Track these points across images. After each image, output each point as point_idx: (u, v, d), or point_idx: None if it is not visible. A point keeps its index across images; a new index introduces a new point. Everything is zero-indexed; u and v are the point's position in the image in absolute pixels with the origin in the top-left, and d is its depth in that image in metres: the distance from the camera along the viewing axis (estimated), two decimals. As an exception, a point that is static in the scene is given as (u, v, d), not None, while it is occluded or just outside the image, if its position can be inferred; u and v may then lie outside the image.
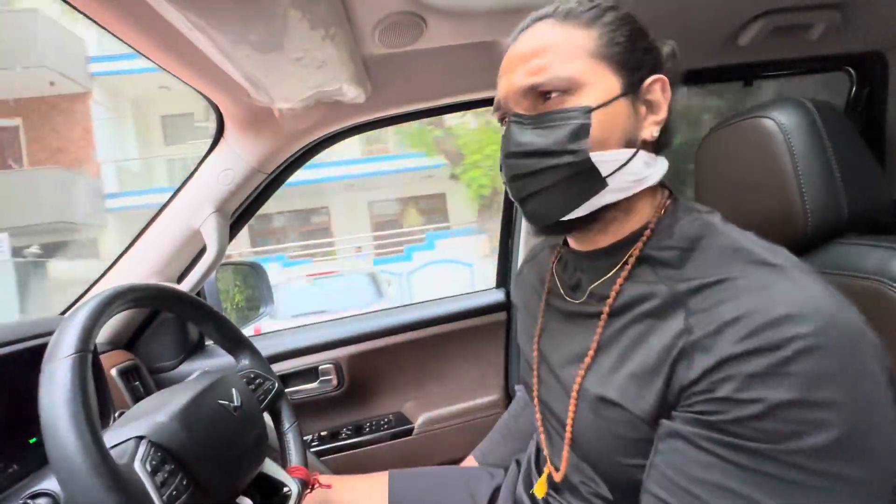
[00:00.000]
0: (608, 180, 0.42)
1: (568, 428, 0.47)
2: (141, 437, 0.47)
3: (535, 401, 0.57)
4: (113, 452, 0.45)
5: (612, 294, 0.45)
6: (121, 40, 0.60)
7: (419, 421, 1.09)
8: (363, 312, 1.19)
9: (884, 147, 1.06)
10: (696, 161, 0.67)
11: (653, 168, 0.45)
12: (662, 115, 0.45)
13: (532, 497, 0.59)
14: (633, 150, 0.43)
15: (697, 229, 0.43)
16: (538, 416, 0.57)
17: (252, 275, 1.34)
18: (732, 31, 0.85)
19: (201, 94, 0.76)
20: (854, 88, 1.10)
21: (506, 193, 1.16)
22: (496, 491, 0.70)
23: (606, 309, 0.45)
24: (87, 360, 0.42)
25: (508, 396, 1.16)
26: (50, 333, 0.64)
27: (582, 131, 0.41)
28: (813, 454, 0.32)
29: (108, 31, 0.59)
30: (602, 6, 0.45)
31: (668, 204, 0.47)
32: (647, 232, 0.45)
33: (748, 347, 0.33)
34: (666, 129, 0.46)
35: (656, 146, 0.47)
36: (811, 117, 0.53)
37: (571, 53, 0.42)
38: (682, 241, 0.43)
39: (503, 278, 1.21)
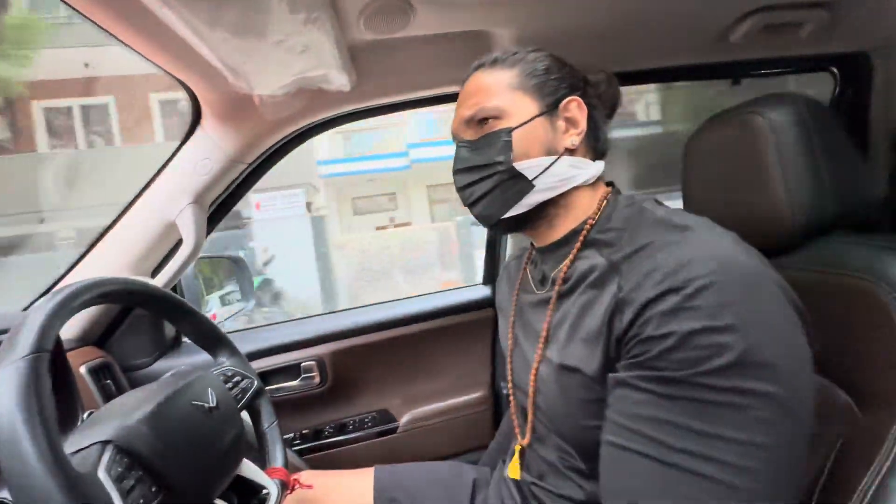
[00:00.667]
0: (535, 182, 0.53)
1: (530, 396, 0.54)
2: (106, 442, 0.44)
3: (510, 386, 0.62)
4: (75, 459, 0.43)
5: (561, 276, 0.53)
6: (89, 20, 0.56)
7: (404, 418, 1.08)
8: (347, 308, 1.17)
9: (867, 148, 1.07)
10: (685, 156, 0.67)
11: (582, 170, 0.54)
12: (581, 127, 0.55)
13: (518, 486, 0.59)
14: (555, 157, 0.53)
15: (632, 212, 0.51)
16: (511, 400, 0.62)
17: (233, 268, 1.31)
18: (724, 27, 0.84)
19: (176, 79, 0.72)
20: (838, 89, 1.11)
21: None
22: (478, 484, 0.70)
23: (556, 289, 0.53)
24: (44, 361, 0.39)
25: (495, 393, 1.15)
26: (4, 331, 0.60)
27: (506, 147, 0.53)
28: (721, 373, 0.37)
29: (75, 9, 0.55)
30: (523, 51, 0.57)
31: (608, 197, 0.55)
32: (591, 221, 0.53)
33: (660, 290, 0.40)
34: (595, 139, 0.57)
35: (593, 152, 0.57)
36: (800, 114, 0.52)
37: (497, 90, 0.55)
38: (619, 222, 0.51)
39: (490, 275, 1.20)
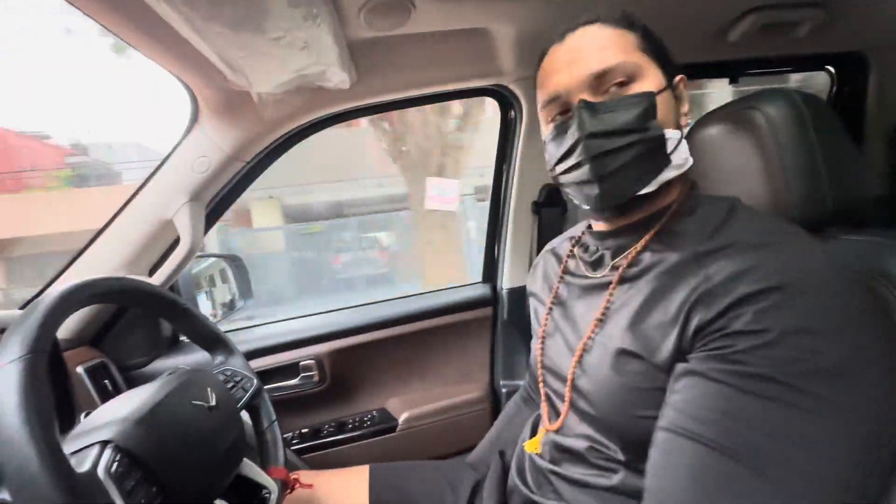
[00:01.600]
0: (671, 157, 0.48)
1: (569, 380, 0.52)
2: (106, 442, 0.44)
3: (540, 371, 0.59)
4: (74, 459, 0.42)
5: (628, 260, 0.50)
6: (86, 14, 0.56)
7: (403, 417, 1.08)
8: (346, 307, 1.16)
9: (863, 146, 1.08)
10: None
11: (688, 154, 0.51)
12: (686, 107, 0.52)
13: (524, 479, 0.58)
14: (682, 132, 0.50)
15: (719, 209, 0.48)
16: (542, 386, 0.59)
17: (230, 267, 1.29)
18: (723, 26, 0.85)
19: (173, 75, 0.71)
20: (835, 87, 1.12)
21: (493, 191, 1.15)
22: (478, 484, 0.69)
23: (619, 273, 0.50)
24: (41, 361, 0.39)
25: (494, 393, 1.15)
26: (2, 332, 0.59)
27: (652, 111, 0.47)
28: (811, 377, 0.35)
29: (73, 5, 0.54)
30: (632, 18, 0.52)
31: (690, 188, 0.53)
32: (674, 207, 0.50)
33: (760, 287, 0.38)
34: None
35: None
36: (798, 109, 0.52)
37: (628, 48, 0.49)
38: (703, 216, 0.48)
39: (490, 273, 1.20)
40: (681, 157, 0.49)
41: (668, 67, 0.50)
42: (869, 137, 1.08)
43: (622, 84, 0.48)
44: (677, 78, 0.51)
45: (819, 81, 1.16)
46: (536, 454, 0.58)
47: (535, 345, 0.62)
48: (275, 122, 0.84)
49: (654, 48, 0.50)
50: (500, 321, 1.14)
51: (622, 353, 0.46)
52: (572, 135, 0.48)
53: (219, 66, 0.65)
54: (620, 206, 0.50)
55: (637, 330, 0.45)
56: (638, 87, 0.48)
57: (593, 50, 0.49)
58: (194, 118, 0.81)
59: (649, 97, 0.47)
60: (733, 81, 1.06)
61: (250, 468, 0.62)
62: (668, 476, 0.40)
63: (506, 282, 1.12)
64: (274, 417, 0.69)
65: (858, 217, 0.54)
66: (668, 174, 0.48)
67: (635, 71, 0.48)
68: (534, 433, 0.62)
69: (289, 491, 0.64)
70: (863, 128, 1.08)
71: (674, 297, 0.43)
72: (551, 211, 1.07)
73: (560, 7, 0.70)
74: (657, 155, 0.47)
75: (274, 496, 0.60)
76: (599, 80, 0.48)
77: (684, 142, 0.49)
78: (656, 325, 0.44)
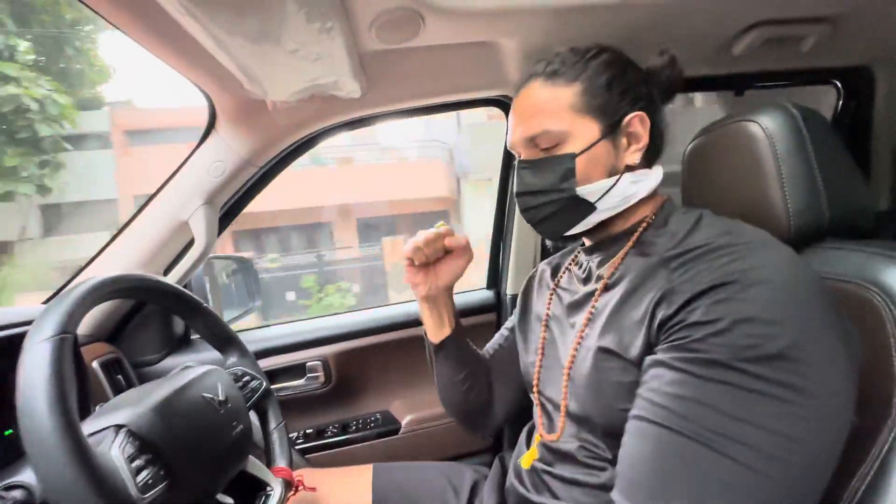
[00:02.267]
0: (597, 204, 0.54)
1: (563, 386, 0.54)
2: (120, 426, 0.46)
3: (535, 381, 0.62)
4: (91, 440, 0.44)
5: (608, 272, 0.54)
6: (111, 24, 0.59)
7: (406, 420, 1.09)
8: (352, 310, 1.18)
9: (869, 160, 1.08)
10: (683, 164, 0.68)
11: (641, 183, 0.55)
12: (643, 142, 0.54)
13: (521, 480, 0.60)
14: (616, 177, 0.53)
15: (688, 218, 0.52)
16: (536, 395, 0.62)
17: (241, 269, 1.32)
18: (727, 40, 0.86)
19: (193, 83, 0.75)
20: (841, 102, 1.12)
21: (499, 196, 1.17)
22: (476, 483, 0.71)
23: (601, 285, 0.54)
24: (69, 343, 0.41)
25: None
26: (28, 323, 0.62)
27: (569, 173, 0.53)
28: (766, 362, 0.38)
29: (98, 13, 0.58)
30: (584, 59, 0.54)
31: (664, 202, 0.57)
32: (645, 223, 0.55)
33: (713, 283, 0.41)
34: (654, 144, 0.56)
35: (647, 162, 0.57)
36: (795, 123, 0.53)
37: (557, 110, 0.53)
38: (674, 226, 0.52)
39: (494, 279, 1.21)
40: (614, 200, 0.54)
41: (614, 114, 0.53)
42: (875, 151, 1.08)
43: (550, 147, 0.54)
44: (629, 117, 0.53)
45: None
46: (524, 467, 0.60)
47: (528, 358, 0.66)
48: (288, 129, 0.88)
49: (594, 101, 0.53)
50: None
51: (601, 350, 0.49)
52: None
53: (237, 75, 0.68)
54: (565, 239, 0.58)
55: (613, 329, 0.49)
56: (562, 149, 0.53)
57: (527, 115, 0.55)
58: (211, 124, 0.84)
59: (568, 160, 0.52)
60: (738, 94, 1.07)
61: (255, 466, 0.63)
62: (636, 460, 0.42)
63: (510, 288, 1.13)
64: (281, 419, 0.71)
65: (857, 230, 0.55)
66: (597, 217, 0.55)
67: (559, 136, 0.53)
68: (528, 442, 0.64)
69: (293, 492, 0.66)
70: (869, 142, 1.08)
71: (644, 298, 0.46)
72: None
73: (563, 22, 0.72)
74: (578, 206, 0.54)
75: (277, 494, 0.62)
76: (532, 142, 0.55)
77: (622, 183, 0.53)
78: (629, 323, 0.47)
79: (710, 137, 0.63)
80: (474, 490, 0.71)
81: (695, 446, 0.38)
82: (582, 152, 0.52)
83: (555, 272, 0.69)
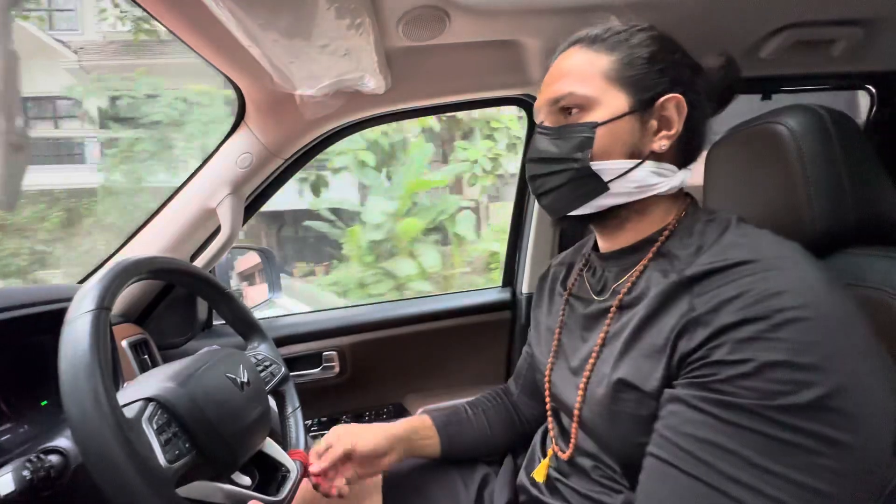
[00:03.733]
0: (610, 185, 0.49)
1: (575, 413, 0.52)
2: (149, 399, 0.48)
3: (547, 394, 0.60)
4: (124, 409, 0.47)
5: (625, 288, 0.50)
6: (153, 17, 0.62)
7: (418, 413, 1.10)
8: (369, 303, 1.20)
9: None
10: (707, 166, 0.67)
11: (665, 178, 0.50)
12: (675, 130, 0.49)
13: (534, 481, 0.60)
14: (637, 161, 0.49)
15: (713, 228, 0.47)
16: (549, 408, 0.60)
17: (262, 260, 1.36)
18: (754, 42, 0.85)
19: (225, 76, 0.78)
20: (875, 108, 1.09)
21: (517, 196, 1.18)
22: (486, 479, 0.71)
23: (616, 301, 0.50)
24: (106, 316, 0.44)
25: (508, 395, 1.16)
26: (65, 300, 0.65)
27: (586, 142, 0.49)
28: (797, 412, 0.35)
29: (141, 7, 0.61)
30: (631, 30, 0.51)
31: (688, 208, 0.52)
32: (667, 231, 0.50)
33: (742, 317, 0.37)
34: (688, 144, 0.51)
35: (682, 157, 0.52)
36: (823, 124, 0.52)
37: (589, 76, 0.50)
38: (697, 237, 0.47)
39: (509, 277, 1.22)
40: (629, 186, 0.49)
41: (649, 90, 0.49)
42: (909, 159, 1.05)
43: (573, 111, 0.50)
44: (663, 98, 0.48)
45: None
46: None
47: (540, 367, 0.64)
48: (313, 123, 0.90)
49: (630, 73, 0.49)
50: (518, 325, 1.16)
51: (618, 382, 0.46)
52: None
53: (268, 69, 0.71)
54: (567, 220, 0.53)
55: (630, 358, 0.45)
56: (586, 117, 0.49)
57: (558, 76, 0.52)
58: (241, 116, 0.87)
59: (587, 129, 0.48)
60: (766, 97, 1.06)
61: (273, 447, 0.65)
62: (652, 501, 0.41)
63: (525, 287, 1.14)
64: (298, 404, 0.73)
65: (885, 237, 0.54)
66: (606, 200, 0.50)
67: (584, 101, 0.49)
68: (542, 450, 0.63)
69: (308, 475, 0.67)
70: (903, 148, 1.05)
71: (663, 325, 0.43)
72: (573, 219, 1.08)
73: (586, 22, 0.73)
74: (589, 182, 0.49)
75: (293, 476, 0.64)
76: (555, 106, 0.51)
77: (643, 170, 0.48)
78: (647, 352, 0.44)
79: (733, 139, 0.62)
80: (483, 485, 0.71)
81: (712, 494, 0.36)
82: (604, 123, 0.48)
83: (567, 275, 0.66)
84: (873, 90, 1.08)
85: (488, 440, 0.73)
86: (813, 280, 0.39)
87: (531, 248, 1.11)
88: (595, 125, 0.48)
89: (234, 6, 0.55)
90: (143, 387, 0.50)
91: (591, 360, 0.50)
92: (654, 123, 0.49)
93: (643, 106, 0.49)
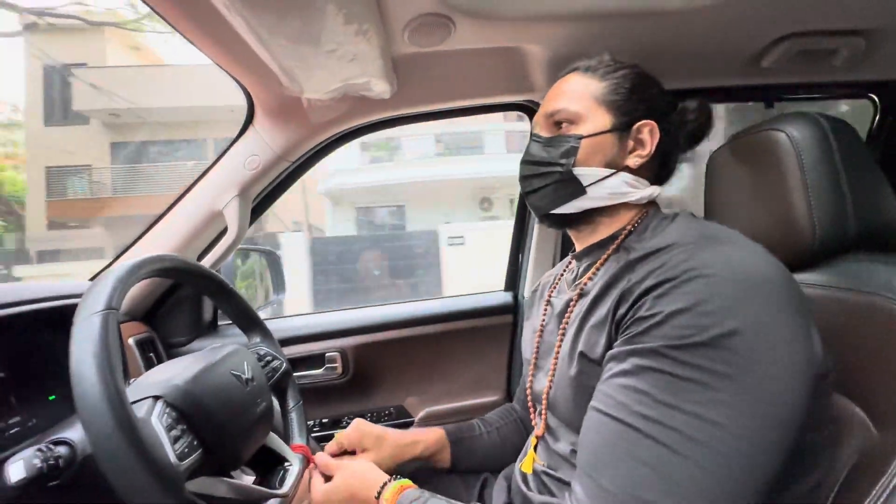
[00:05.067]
0: (587, 189, 0.57)
1: (545, 390, 0.58)
2: (157, 397, 0.49)
3: (528, 390, 0.65)
4: (133, 407, 0.48)
5: (587, 278, 0.58)
6: (165, 20, 0.64)
7: (419, 416, 1.10)
8: (371, 305, 1.21)
9: None
10: (707, 173, 0.68)
11: (636, 189, 0.57)
12: (647, 150, 0.57)
13: (526, 481, 0.61)
14: (612, 171, 0.57)
15: (665, 223, 0.55)
16: (529, 401, 0.65)
17: (267, 261, 1.37)
18: (756, 51, 0.86)
19: (235, 79, 0.79)
20: (878, 116, 1.09)
21: (520, 202, 1.19)
22: (486, 481, 0.71)
23: (579, 290, 0.57)
24: (114, 317, 0.45)
25: (510, 397, 1.16)
26: (74, 296, 0.67)
27: (571, 151, 0.57)
28: (694, 350, 0.40)
29: (155, 11, 0.62)
30: (618, 65, 0.60)
31: (650, 210, 0.59)
32: (629, 227, 0.58)
33: (660, 279, 0.44)
34: (660, 166, 0.60)
35: (654, 176, 0.60)
36: (823, 132, 0.53)
37: (581, 96, 0.58)
38: (652, 232, 0.55)
39: (512, 282, 1.22)
40: (603, 192, 0.57)
41: (628, 114, 0.57)
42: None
43: (564, 125, 0.58)
44: (639, 123, 0.57)
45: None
46: (524, 471, 0.61)
47: (525, 368, 0.68)
48: (320, 127, 0.91)
49: (614, 98, 0.57)
50: (519, 329, 1.16)
51: (572, 353, 0.53)
52: None
53: (277, 73, 0.72)
54: (550, 217, 0.61)
55: (582, 332, 0.52)
56: (574, 130, 0.57)
57: (556, 95, 0.60)
58: (249, 119, 0.89)
59: (574, 139, 0.57)
60: (768, 106, 1.06)
61: (276, 441, 0.66)
62: (585, 448, 0.46)
63: (527, 291, 1.14)
64: (300, 398, 0.73)
65: (886, 244, 0.54)
66: (584, 203, 0.58)
67: (574, 115, 0.57)
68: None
69: (313, 467, 0.68)
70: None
71: (607, 300, 0.50)
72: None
73: (589, 31, 0.74)
74: (570, 185, 0.57)
75: (295, 469, 0.64)
76: (550, 119, 0.60)
77: (617, 179, 0.56)
78: (595, 325, 0.50)
79: (734, 146, 0.63)
80: (484, 487, 0.72)
81: (628, 432, 0.41)
82: (588, 136, 0.56)
83: (554, 284, 0.71)
84: (876, 99, 1.08)
85: (500, 458, 0.76)
86: (734, 252, 0.45)
87: (533, 252, 1.12)
88: (581, 137, 0.57)
89: (245, 11, 0.57)
90: (151, 384, 0.51)
91: (558, 346, 0.57)
92: (630, 143, 0.57)
93: (623, 127, 0.57)
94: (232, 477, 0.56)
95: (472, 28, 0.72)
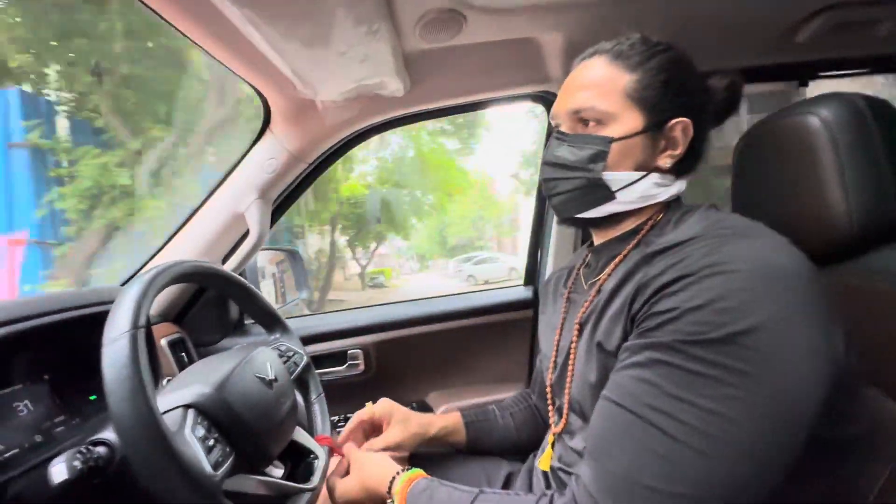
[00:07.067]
0: (617, 194, 0.54)
1: (568, 382, 0.57)
2: (188, 406, 0.51)
3: (549, 386, 0.64)
4: (166, 419, 0.50)
5: (606, 273, 0.55)
6: (181, 32, 0.65)
7: (441, 411, 1.11)
8: (393, 302, 1.22)
9: None
10: (734, 160, 0.65)
11: (664, 188, 0.55)
12: (679, 150, 0.54)
13: (546, 475, 0.61)
14: (643, 174, 0.53)
15: (686, 215, 0.53)
16: (549, 397, 0.64)
17: (290, 260, 1.40)
18: (791, 25, 0.80)
19: (251, 85, 0.80)
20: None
21: (537, 197, 1.17)
22: (510, 477, 0.71)
23: (599, 283, 0.55)
24: (141, 335, 0.46)
25: (532, 394, 1.15)
26: (109, 302, 0.70)
27: (600, 156, 0.53)
28: (709, 346, 0.39)
29: (169, 23, 0.63)
30: (652, 50, 0.54)
31: (671, 204, 0.57)
32: (651, 222, 0.55)
33: (678, 275, 0.43)
34: (689, 158, 0.55)
35: (679, 171, 0.56)
36: (860, 113, 0.49)
37: (610, 91, 0.53)
38: (674, 226, 0.53)
39: (531, 276, 1.21)
40: (633, 196, 0.54)
41: (661, 113, 0.52)
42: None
43: (591, 123, 0.54)
44: (673, 122, 0.53)
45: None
46: (543, 469, 0.61)
47: (544, 364, 0.67)
48: (335, 127, 0.92)
49: (647, 94, 0.52)
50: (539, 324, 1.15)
51: (590, 345, 0.52)
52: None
53: (290, 77, 0.73)
54: (574, 221, 0.59)
55: (600, 324, 0.51)
56: (603, 130, 0.53)
57: (580, 87, 0.55)
58: (266, 124, 0.90)
59: (603, 142, 0.52)
60: (803, 84, 1.00)
61: (301, 435, 0.68)
62: (594, 434, 0.46)
63: (548, 285, 1.12)
64: (321, 390, 0.75)
65: None
66: (612, 207, 0.55)
67: (604, 116, 0.53)
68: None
69: (339, 458, 0.70)
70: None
71: (624, 293, 0.49)
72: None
73: (604, 16, 0.71)
74: (598, 191, 0.54)
75: (321, 461, 0.66)
76: (575, 116, 0.55)
77: (647, 182, 0.53)
78: (611, 317, 0.50)
79: (763, 130, 0.60)
80: (508, 483, 0.72)
81: (636, 420, 0.42)
82: (619, 139, 0.52)
83: (568, 277, 0.69)
84: (925, 72, 1.00)
85: (515, 442, 0.78)
86: (755, 246, 0.43)
87: (553, 247, 1.10)
88: (611, 140, 0.52)
89: (256, 18, 0.57)
90: (181, 392, 0.53)
91: (575, 340, 0.56)
92: (662, 143, 0.54)
93: (655, 127, 0.53)
94: (264, 474, 0.58)
95: (484, 20, 0.71)
